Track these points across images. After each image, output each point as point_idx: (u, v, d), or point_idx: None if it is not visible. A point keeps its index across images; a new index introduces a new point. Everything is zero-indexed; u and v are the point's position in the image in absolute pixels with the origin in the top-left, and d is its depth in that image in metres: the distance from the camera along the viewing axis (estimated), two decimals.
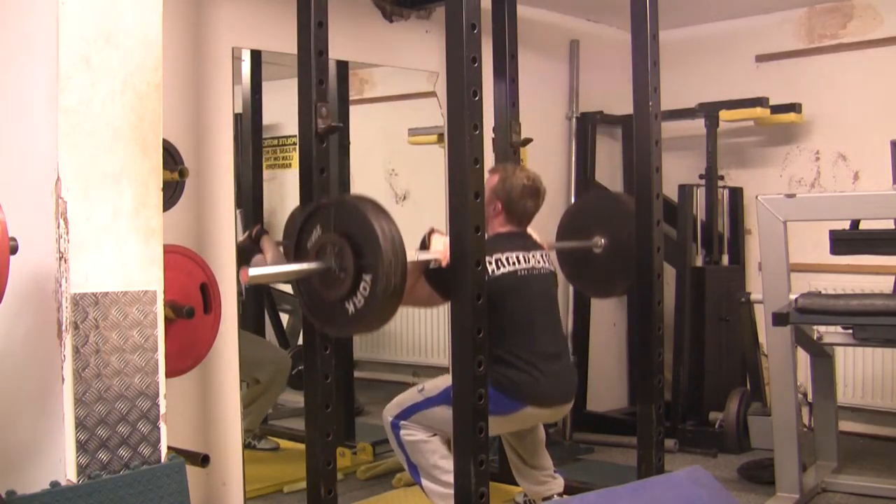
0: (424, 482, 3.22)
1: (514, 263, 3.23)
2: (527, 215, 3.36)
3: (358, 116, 4.73)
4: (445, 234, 2.78)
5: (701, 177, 4.88)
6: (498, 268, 3.19)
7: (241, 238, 3.87)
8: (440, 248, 2.89)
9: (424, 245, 3.03)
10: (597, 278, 3.66)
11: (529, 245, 3.34)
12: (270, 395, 4.43)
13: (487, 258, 3.12)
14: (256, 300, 4.70)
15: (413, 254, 2.89)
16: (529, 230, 3.42)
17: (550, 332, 3.28)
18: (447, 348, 2.82)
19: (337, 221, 2.51)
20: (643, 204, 3.24)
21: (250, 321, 4.61)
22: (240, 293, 3.71)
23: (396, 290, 2.42)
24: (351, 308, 2.48)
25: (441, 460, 3.17)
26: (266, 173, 4.90)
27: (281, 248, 4.13)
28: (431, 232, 3.04)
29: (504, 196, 3.30)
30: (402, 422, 3.22)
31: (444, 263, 2.85)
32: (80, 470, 2.08)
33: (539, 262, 3.32)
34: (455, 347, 2.62)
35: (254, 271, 2.48)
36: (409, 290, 2.97)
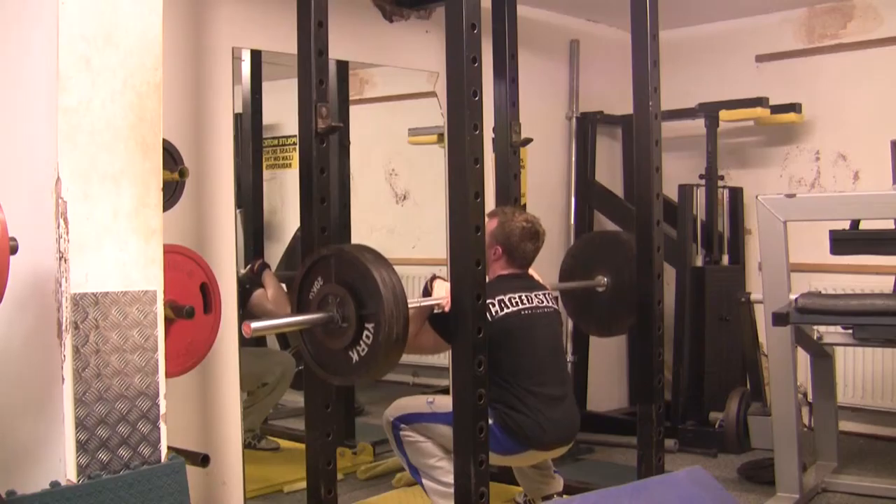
0: (425, 482, 3.22)
1: (516, 304, 3.24)
2: (527, 257, 3.37)
3: (358, 116, 4.73)
4: (447, 281, 2.81)
5: (701, 177, 4.88)
6: (501, 309, 3.20)
7: (242, 271, 3.89)
8: (442, 294, 2.91)
9: (427, 291, 3.05)
10: (600, 317, 3.71)
11: (532, 286, 3.35)
12: (275, 395, 4.44)
13: (490, 300, 3.15)
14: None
15: (415, 300, 2.91)
16: (531, 272, 3.43)
17: (555, 373, 3.29)
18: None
19: (337, 272, 2.52)
20: (643, 204, 3.24)
21: None
22: (240, 293, 3.70)
23: (399, 338, 2.44)
24: (355, 357, 2.50)
25: (440, 461, 3.18)
26: (266, 173, 4.90)
27: (283, 287, 4.15)
28: (433, 279, 3.07)
29: (504, 240, 3.32)
30: (403, 424, 3.23)
31: (446, 308, 2.86)
32: (80, 470, 2.07)
33: (542, 301, 3.32)
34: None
35: (256, 325, 2.50)
36: (413, 337, 2.99)
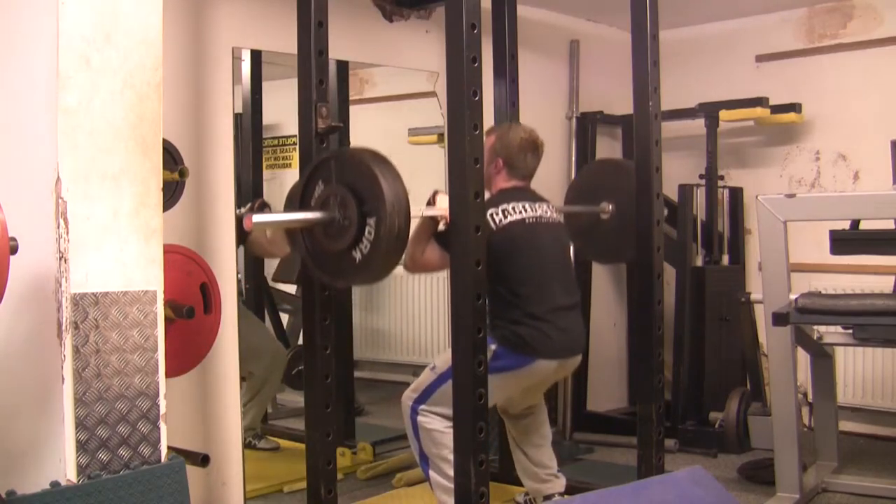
0: (431, 473, 3.19)
1: (520, 212, 3.22)
2: (528, 169, 3.36)
3: (358, 116, 4.73)
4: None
5: (701, 177, 4.88)
6: (505, 217, 3.19)
7: (242, 210, 3.86)
8: (445, 206, 2.90)
9: (430, 204, 3.05)
10: (604, 244, 3.68)
11: (535, 197, 3.34)
12: (268, 390, 4.39)
13: (493, 210, 3.15)
14: (256, 300, 4.70)
15: (418, 210, 2.92)
16: (533, 187, 3.41)
17: (562, 283, 3.27)
18: (447, 348, 2.82)
19: (338, 174, 2.55)
20: (643, 204, 3.24)
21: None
22: (240, 293, 3.71)
23: (401, 233, 2.45)
24: (357, 255, 2.51)
25: (451, 454, 3.16)
26: (266, 173, 4.90)
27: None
28: (436, 193, 3.05)
29: (504, 152, 3.31)
30: (422, 406, 3.19)
31: (449, 220, 2.87)
32: (80, 470, 2.08)
33: (546, 211, 3.31)
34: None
35: (257, 218, 2.55)
36: (420, 254, 3.03)
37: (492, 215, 3.16)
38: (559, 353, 3.22)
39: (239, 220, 3.51)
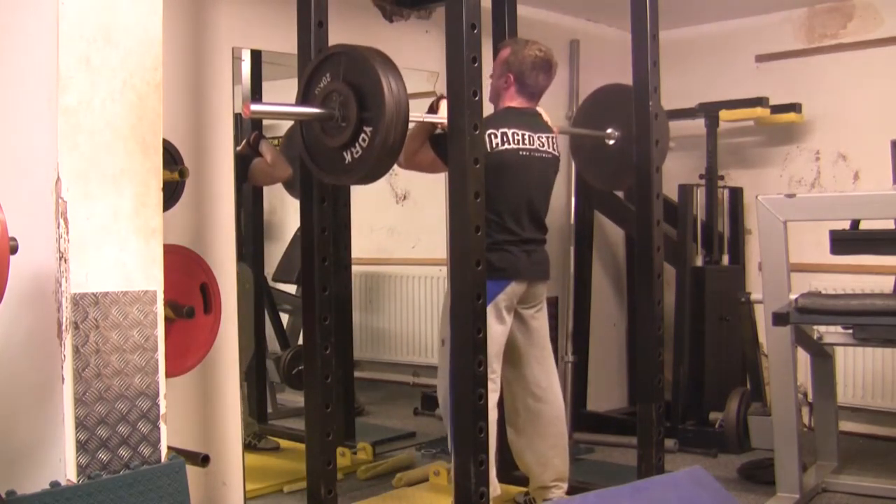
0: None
1: (517, 142, 3.22)
2: (538, 89, 3.34)
3: None
4: None
5: (701, 177, 4.88)
6: (502, 142, 3.19)
7: (239, 147, 3.85)
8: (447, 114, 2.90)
9: (433, 109, 3.04)
10: (607, 170, 3.68)
11: (537, 126, 3.32)
12: None
13: (493, 130, 3.15)
14: (256, 300, 4.70)
15: (419, 115, 2.92)
16: (540, 110, 3.39)
17: (537, 218, 3.31)
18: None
19: (346, 71, 2.56)
20: (643, 204, 3.24)
21: (250, 321, 4.60)
22: (240, 294, 3.69)
23: (394, 147, 2.48)
24: (348, 157, 2.55)
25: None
26: None
27: (279, 152, 4.12)
28: (440, 98, 3.04)
29: (516, 68, 3.29)
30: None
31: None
32: (80, 470, 2.08)
33: (544, 144, 3.30)
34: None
35: (255, 106, 2.58)
36: (414, 152, 3.04)
37: (490, 136, 3.15)
38: (526, 275, 3.26)
39: (238, 158, 3.50)
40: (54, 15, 2.07)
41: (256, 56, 4.34)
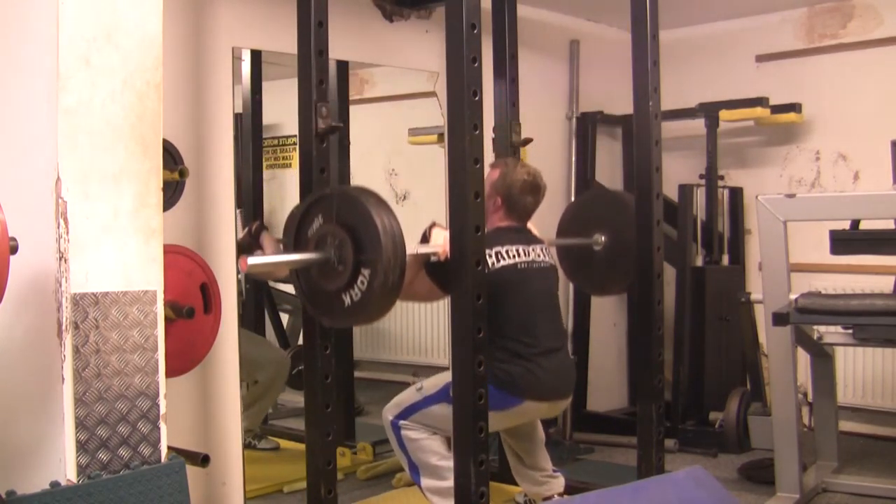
0: (425, 481, 3.21)
1: (513, 256, 3.22)
2: (527, 211, 3.36)
3: (358, 116, 4.73)
4: (446, 228, 2.78)
5: (701, 177, 4.88)
6: (498, 261, 3.19)
7: (240, 234, 3.86)
8: (440, 242, 2.90)
9: (425, 238, 3.04)
10: (596, 276, 3.66)
11: (530, 239, 3.34)
12: (271, 396, 4.43)
13: (487, 251, 3.12)
14: (256, 300, 4.70)
15: (413, 247, 2.89)
16: (529, 225, 3.42)
17: (550, 326, 3.28)
18: (447, 348, 2.82)
19: (339, 212, 2.52)
20: (643, 204, 3.24)
21: (250, 321, 4.61)
22: (240, 293, 3.70)
23: (394, 287, 2.43)
24: (348, 300, 2.49)
25: (442, 460, 3.17)
26: (266, 173, 4.90)
27: (281, 245, 4.12)
28: (432, 226, 3.05)
29: (504, 191, 3.30)
30: (402, 421, 3.22)
31: (443, 257, 2.86)
32: (80, 470, 2.07)
33: (539, 255, 3.31)
34: (455, 347, 2.62)
35: (252, 260, 2.51)
36: (408, 283, 2.97)
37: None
38: (548, 394, 3.23)
39: (239, 247, 3.53)
40: (54, 15, 2.07)
41: (256, 56, 4.34)
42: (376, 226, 2.41)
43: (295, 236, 2.63)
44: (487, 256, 3.13)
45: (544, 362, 3.17)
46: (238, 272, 3.48)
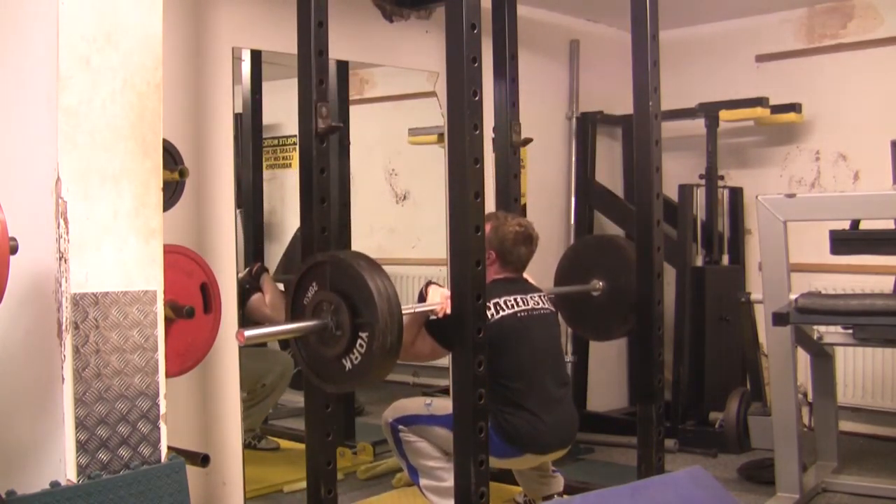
0: (423, 482, 3.22)
1: (512, 306, 3.23)
2: (521, 261, 3.37)
3: (358, 116, 4.73)
4: (442, 286, 2.81)
5: (701, 177, 4.88)
6: (497, 312, 3.19)
7: (241, 274, 3.87)
8: (437, 300, 2.90)
9: (422, 298, 3.04)
10: (595, 321, 3.67)
11: (527, 289, 3.34)
12: (274, 396, 4.44)
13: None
14: None
15: (410, 307, 2.90)
16: (525, 275, 3.42)
17: (553, 374, 3.28)
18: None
19: (332, 279, 2.52)
20: (643, 204, 3.24)
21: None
22: (240, 293, 3.69)
23: (393, 348, 2.43)
24: (348, 365, 2.49)
25: (438, 462, 3.18)
26: (266, 173, 4.90)
27: (279, 288, 4.13)
28: (428, 284, 3.05)
29: (497, 245, 3.31)
30: (402, 426, 3.23)
31: (441, 314, 2.86)
32: (80, 470, 2.07)
33: (538, 303, 3.32)
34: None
35: (250, 333, 2.51)
36: (409, 345, 3.00)
37: None
38: (549, 447, 3.24)
39: (240, 286, 3.53)
40: (54, 15, 2.07)
41: (256, 56, 4.34)
42: (370, 289, 2.41)
43: (292, 305, 2.63)
44: (487, 309, 3.15)
45: (547, 415, 3.17)
46: (238, 281, 3.49)
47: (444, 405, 3.18)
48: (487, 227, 3.31)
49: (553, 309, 3.42)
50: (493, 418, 3.06)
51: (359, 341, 2.45)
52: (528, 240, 3.35)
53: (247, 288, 4.02)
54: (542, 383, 3.21)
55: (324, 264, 2.56)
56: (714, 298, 4.75)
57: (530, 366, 3.20)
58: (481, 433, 2.56)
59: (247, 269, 4.09)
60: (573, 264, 3.75)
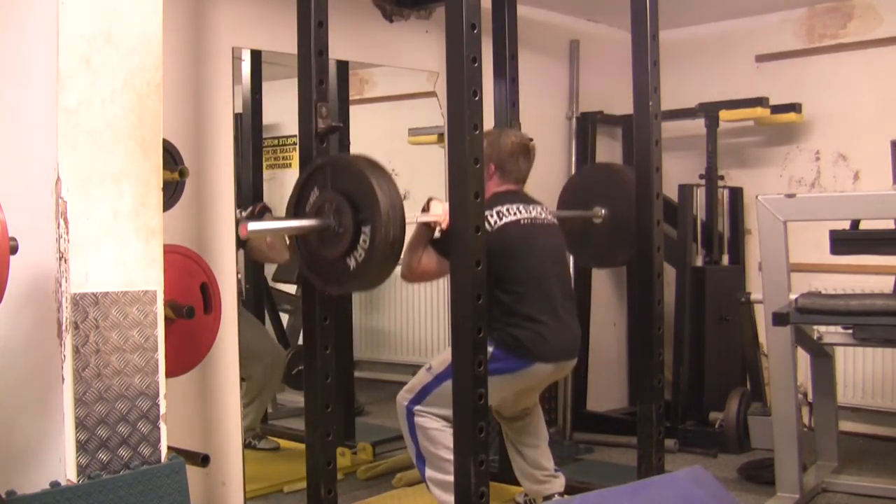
0: (429, 472, 3.18)
1: (515, 213, 3.23)
2: (521, 173, 3.37)
3: (358, 116, 4.73)
4: (444, 202, 2.80)
5: (701, 177, 4.88)
6: (500, 219, 3.19)
7: (244, 214, 3.85)
8: (439, 212, 2.91)
9: (425, 211, 3.05)
10: (597, 249, 3.69)
11: (529, 200, 3.35)
12: (267, 394, 4.40)
13: (488, 212, 3.14)
14: (256, 300, 4.70)
15: (413, 217, 2.91)
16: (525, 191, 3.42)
17: (559, 282, 3.27)
18: (445, 347, 2.82)
19: (334, 180, 2.55)
20: (643, 204, 3.24)
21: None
22: (240, 293, 3.70)
23: (396, 241, 2.45)
24: (352, 263, 2.51)
25: (450, 454, 3.15)
26: (266, 173, 4.90)
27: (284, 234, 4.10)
28: (430, 200, 3.05)
29: (495, 157, 3.31)
30: (417, 407, 3.18)
31: (443, 225, 2.87)
32: (80, 470, 2.07)
33: (541, 213, 3.32)
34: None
35: (252, 225, 2.54)
36: (417, 260, 3.02)
37: (486, 218, 3.16)
38: (556, 356, 3.22)
39: (238, 225, 3.51)
40: (54, 15, 2.07)
41: (256, 56, 4.34)
42: (371, 185, 2.44)
43: (294, 210, 2.65)
44: (489, 217, 3.15)
45: (552, 322, 3.17)
46: (238, 274, 3.49)
47: (440, 360, 3.16)
48: (484, 142, 3.33)
49: (556, 221, 3.41)
50: (496, 335, 3.04)
51: (362, 237, 2.48)
52: (526, 151, 3.36)
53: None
54: (548, 290, 3.20)
55: (324, 167, 2.59)
56: (714, 298, 4.75)
57: (535, 271, 3.19)
58: (481, 433, 2.56)
59: (248, 210, 4.06)
60: (575, 193, 3.75)
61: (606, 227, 3.58)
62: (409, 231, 2.82)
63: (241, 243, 3.68)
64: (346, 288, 2.70)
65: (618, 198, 3.50)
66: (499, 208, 3.21)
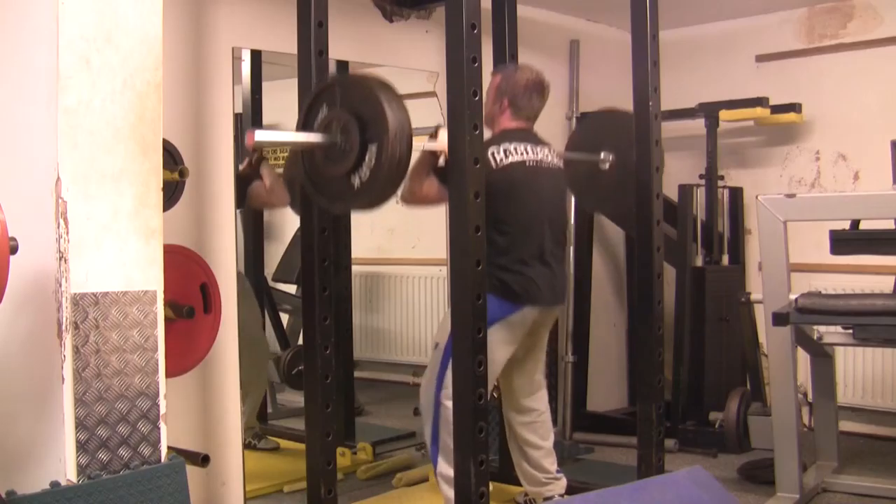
0: (442, 466, 3.14)
1: (521, 154, 3.22)
2: (533, 111, 3.35)
3: None
4: None
5: (701, 177, 4.88)
6: (506, 156, 3.18)
7: (241, 166, 3.84)
8: (446, 140, 2.90)
9: (433, 138, 3.05)
10: (603, 194, 3.65)
11: (538, 140, 3.33)
12: (256, 392, 4.30)
13: (494, 148, 3.15)
14: (256, 300, 4.70)
15: (420, 144, 2.90)
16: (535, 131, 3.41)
17: (552, 230, 3.28)
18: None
19: (343, 98, 2.54)
20: (643, 204, 3.24)
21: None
22: (239, 293, 3.68)
23: (402, 161, 2.44)
24: (357, 181, 2.51)
25: None
26: None
27: (280, 177, 4.09)
28: (438, 128, 3.04)
29: (510, 92, 3.30)
30: (444, 392, 3.12)
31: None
32: (80, 470, 2.08)
33: (548, 156, 3.31)
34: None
35: (259, 135, 2.53)
36: (420, 185, 3.01)
37: (493, 154, 3.16)
38: (543, 300, 3.24)
39: (238, 179, 3.49)
40: (54, 15, 2.07)
41: (256, 56, 4.34)
42: (381, 103, 2.43)
43: (303, 126, 2.65)
44: (495, 154, 3.15)
45: (538, 267, 3.18)
46: (238, 279, 3.47)
47: (443, 332, 3.13)
48: (497, 77, 3.32)
49: (561, 165, 3.40)
50: (489, 282, 3.02)
51: (368, 155, 2.47)
52: (541, 87, 3.34)
53: (247, 175, 3.94)
54: (539, 235, 3.21)
55: (334, 86, 2.58)
56: (714, 298, 4.75)
57: (532, 214, 3.19)
58: (481, 433, 2.56)
59: (246, 160, 4.05)
60: (583, 137, 3.72)
61: (613, 172, 3.53)
62: (415, 156, 2.79)
63: (241, 200, 3.66)
64: (349, 206, 2.69)
65: (626, 144, 3.40)
66: (506, 146, 3.20)
